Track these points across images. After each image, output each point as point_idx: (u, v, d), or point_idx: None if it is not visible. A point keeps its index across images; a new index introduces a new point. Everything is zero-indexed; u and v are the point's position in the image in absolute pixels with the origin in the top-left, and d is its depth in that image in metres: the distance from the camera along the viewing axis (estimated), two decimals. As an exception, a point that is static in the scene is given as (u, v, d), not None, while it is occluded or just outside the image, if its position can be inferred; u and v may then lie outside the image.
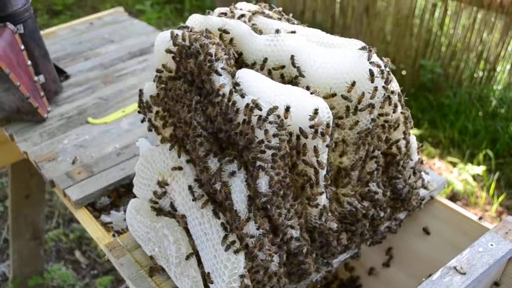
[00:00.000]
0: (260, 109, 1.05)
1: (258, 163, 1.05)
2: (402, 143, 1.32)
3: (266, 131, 1.03)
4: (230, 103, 1.08)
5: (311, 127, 1.05)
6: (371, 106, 1.16)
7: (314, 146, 1.08)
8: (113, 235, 1.55)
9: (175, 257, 1.25)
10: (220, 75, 1.12)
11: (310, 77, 1.16)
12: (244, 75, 1.12)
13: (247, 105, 1.06)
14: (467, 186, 3.59)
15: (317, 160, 1.10)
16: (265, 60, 1.18)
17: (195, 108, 1.16)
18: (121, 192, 1.71)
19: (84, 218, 1.61)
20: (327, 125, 1.07)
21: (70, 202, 1.63)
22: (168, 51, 1.24)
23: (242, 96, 1.08)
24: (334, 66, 1.14)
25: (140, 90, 1.37)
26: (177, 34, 1.22)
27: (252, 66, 1.20)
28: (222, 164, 1.11)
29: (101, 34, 2.60)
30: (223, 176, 1.11)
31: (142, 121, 1.40)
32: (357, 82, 1.14)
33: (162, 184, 1.28)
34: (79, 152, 1.80)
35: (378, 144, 1.26)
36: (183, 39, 1.21)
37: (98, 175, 1.70)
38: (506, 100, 4.05)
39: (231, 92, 1.09)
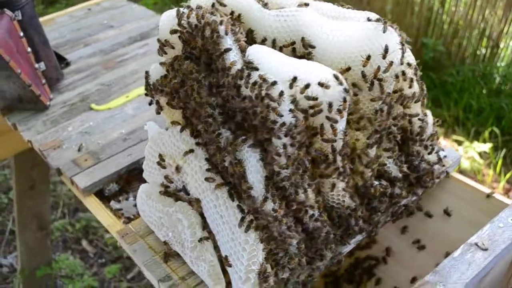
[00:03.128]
0: (273, 84, 1.01)
1: (274, 141, 1.02)
2: (418, 118, 1.29)
3: (279, 108, 0.99)
4: (242, 81, 1.04)
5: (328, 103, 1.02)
6: (385, 80, 1.12)
7: (331, 124, 1.05)
8: (124, 222, 1.52)
9: (190, 242, 1.23)
10: (230, 51, 1.08)
11: (323, 51, 1.12)
12: (256, 51, 1.08)
13: (257, 81, 1.02)
14: (474, 164, 3.56)
15: (335, 137, 1.06)
16: (275, 39, 1.14)
17: (207, 90, 1.12)
18: (130, 178, 1.68)
19: (94, 206, 1.58)
20: (344, 100, 1.03)
21: (78, 189, 1.60)
22: (174, 31, 1.20)
23: (255, 70, 1.04)
24: (347, 39, 1.10)
25: (146, 72, 1.33)
26: (183, 12, 1.18)
27: (262, 42, 1.16)
28: (236, 144, 1.08)
29: (99, 20, 2.54)
30: (237, 156, 1.08)
31: (150, 103, 1.36)
32: (372, 56, 1.10)
33: (174, 167, 1.25)
34: (85, 139, 1.77)
35: (394, 120, 1.22)
36: (189, 17, 1.16)
37: (105, 161, 1.67)
38: (510, 76, 4.01)
39: (242, 69, 1.05)
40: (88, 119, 1.87)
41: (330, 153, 1.09)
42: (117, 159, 1.67)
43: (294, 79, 1.00)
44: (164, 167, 1.30)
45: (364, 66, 1.09)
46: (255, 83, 1.03)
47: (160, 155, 1.30)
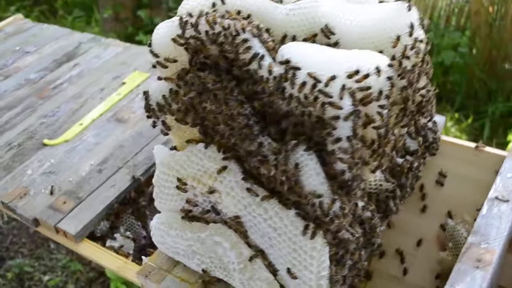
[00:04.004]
0: (332, 79, 0.96)
1: (335, 138, 0.97)
2: (427, 89, 1.31)
3: (340, 103, 0.94)
4: (287, 83, 0.97)
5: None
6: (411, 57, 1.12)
7: (380, 110, 1.02)
8: (134, 260, 1.38)
9: (237, 263, 1.14)
10: (262, 57, 1.00)
11: (349, 38, 1.08)
12: (292, 49, 1.01)
13: (306, 81, 0.96)
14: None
15: (384, 123, 1.04)
16: (295, 35, 1.08)
17: (236, 99, 1.04)
18: (118, 211, 1.52)
19: (92, 251, 1.41)
20: (392, 85, 1.01)
21: (68, 237, 1.41)
22: (180, 43, 1.09)
23: (297, 70, 0.98)
24: (373, 23, 1.08)
25: (146, 93, 1.20)
26: (186, 21, 1.08)
27: (283, 40, 1.10)
28: (288, 150, 1.01)
29: (10, 47, 2.27)
30: (290, 163, 1.01)
31: (154, 125, 1.23)
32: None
33: (208, 189, 1.14)
34: (52, 179, 1.57)
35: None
36: (197, 24, 1.06)
37: (88, 199, 1.49)
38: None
39: (287, 71, 0.98)
40: (46, 157, 1.65)
41: (377, 140, 1.07)
42: (101, 194, 1.51)
43: (357, 72, 0.95)
44: (185, 191, 1.19)
45: (394, 47, 1.08)
46: (304, 83, 0.96)
47: (179, 179, 1.19)
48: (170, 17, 1.16)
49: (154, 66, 1.19)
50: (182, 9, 1.19)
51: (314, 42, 1.10)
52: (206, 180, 1.16)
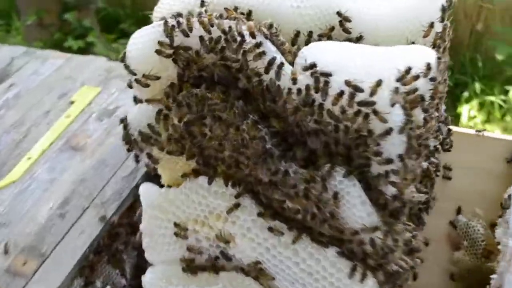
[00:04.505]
0: (362, 91, 0.76)
1: (379, 168, 0.78)
2: (444, 79, 1.14)
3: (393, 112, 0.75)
4: (318, 95, 0.76)
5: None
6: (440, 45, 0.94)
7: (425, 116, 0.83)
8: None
9: (264, 319, 0.93)
10: (281, 64, 0.79)
11: (374, 30, 0.88)
12: (314, 51, 0.80)
13: (344, 91, 0.76)
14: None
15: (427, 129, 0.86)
16: (311, 31, 0.87)
17: (251, 120, 0.82)
18: (93, 262, 1.26)
19: (69, 318, 1.14)
20: (437, 85, 0.83)
21: (36, 305, 1.14)
22: (166, 54, 0.85)
23: (328, 76, 0.77)
24: (398, 11, 0.89)
25: (123, 120, 0.95)
26: (173, 25, 0.84)
27: (295, 38, 0.88)
28: (322, 178, 0.80)
29: None
30: (327, 193, 0.81)
31: (137, 160, 0.98)
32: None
33: (221, 238, 0.91)
34: (4, 234, 1.27)
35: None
36: (189, 29, 0.83)
37: (53, 255, 1.22)
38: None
39: (318, 80, 0.76)
40: (-10, 205, 1.35)
41: (422, 149, 0.88)
42: (68, 245, 1.23)
43: (407, 71, 0.75)
44: (186, 237, 0.96)
45: (425, 36, 0.89)
46: (341, 94, 0.75)
47: (177, 224, 0.95)
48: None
49: (130, 86, 0.95)
50: (160, 10, 0.95)
51: (330, 38, 0.90)
52: (213, 222, 0.94)
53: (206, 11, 0.87)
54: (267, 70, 0.79)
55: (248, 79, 0.82)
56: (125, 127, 0.95)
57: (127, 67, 0.91)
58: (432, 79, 0.77)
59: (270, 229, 0.88)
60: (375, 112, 0.74)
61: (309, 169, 0.82)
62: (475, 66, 3.42)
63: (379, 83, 0.74)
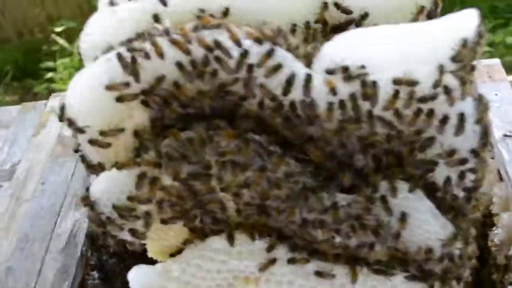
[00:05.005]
0: (417, 83, 0.60)
1: (447, 171, 0.64)
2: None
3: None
4: (367, 103, 0.59)
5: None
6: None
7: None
8: None
9: None
10: (309, 76, 0.60)
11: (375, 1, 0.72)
12: (338, 48, 0.62)
13: (398, 90, 0.59)
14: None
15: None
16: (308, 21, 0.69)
17: (277, 156, 0.62)
18: None
19: None
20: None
21: None
22: (133, 96, 0.62)
23: (366, 76, 0.60)
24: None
25: (86, 198, 0.69)
26: (133, 57, 0.60)
27: (292, 35, 0.69)
28: (383, 199, 0.64)
29: None
30: (392, 214, 0.65)
31: (117, 243, 0.73)
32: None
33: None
34: None
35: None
36: (159, 55, 0.60)
37: None
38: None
39: (366, 83, 0.59)
40: None
41: None
42: None
43: (464, 44, 0.59)
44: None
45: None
46: (396, 94, 0.59)
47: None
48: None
49: (76, 151, 0.69)
50: (91, 39, 0.69)
51: (325, 24, 0.72)
52: (241, 287, 0.73)
53: (167, 27, 0.63)
54: (287, 89, 0.59)
55: (260, 105, 0.61)
56: (92, 207, 0.69)
57: (70, 124, 0.65)
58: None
59: (318, 273, 0.71)
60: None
61: (361, 193, 0.65)
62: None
63: (441, 69, 0.58)
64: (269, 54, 0.58)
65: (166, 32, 0.61)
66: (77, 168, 1.28)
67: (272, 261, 0.70)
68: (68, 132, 1.37)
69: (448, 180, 0.64)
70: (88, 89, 0.63)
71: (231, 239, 0.70)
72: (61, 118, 0.67)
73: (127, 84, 0.61)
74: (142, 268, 0.77)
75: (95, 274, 1.15)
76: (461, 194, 0.66)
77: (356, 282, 0.71)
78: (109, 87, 0.60)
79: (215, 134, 0.62)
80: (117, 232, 0.72)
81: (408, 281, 0.71)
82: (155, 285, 0.75)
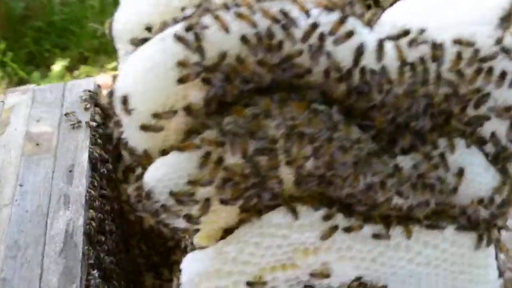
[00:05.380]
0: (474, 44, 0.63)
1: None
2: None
3: None
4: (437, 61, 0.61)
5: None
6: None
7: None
8: None
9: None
10: (381, 42, 0.61)
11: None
12: (398, 13, 0.63)
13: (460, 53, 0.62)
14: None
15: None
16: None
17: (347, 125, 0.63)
18: None
19: None
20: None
21: None
22: (196, 74, 0.59)
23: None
24: None
25: (138, 188, 0.65)
26: (196, 33, 0.58)
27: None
28: (442, 156, 0.67)
29: None
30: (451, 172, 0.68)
31: (174, 233, 0.70)
32: None
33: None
34: None
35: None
36: (225, 30, 0.58)
37: None
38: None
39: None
40: None
41: None
42: None
43: None
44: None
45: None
46: (459, 55, 0.61)
47: (251, 283, 0.73)
48: None
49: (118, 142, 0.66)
50: (126, 19, 0.65)
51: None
52: (300, 259, 0.73)
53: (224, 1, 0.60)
54: (358, 56, 0.59)
55: (325, 74, 0.61)
56: (149, 197, 0.65)
57: (125, 108, 0.61)
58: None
59: (376, 236, 0.73)
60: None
61: (420, 152, 0.67)
62: None
63: (504, 24, 0.61)
64: (342, 21, 0.58)
65: (226, 6, 0.58)
66: (57, 165, 1.20)
67: (334, 229, 0.71)
68: (36, 128, 1.30)
69: (498, 133, 0.68)
70: (143, 71, 0.59)
71: (294, 213, 0.69)
72: (124, 105, 0.62)
73: (196, 63, 0.57)
74: (195, 255, 0.74)
75: (96, 273, 1.10)
76: (509, 145, 0.70)
77: (410, 238, 0.74)
78: (180, 64, 0.56)
79: (283, 107, 0.61)
80: (172, 220, 0.69)
81: (459, 232, 0.75)
82: (210, 269, 0.73)
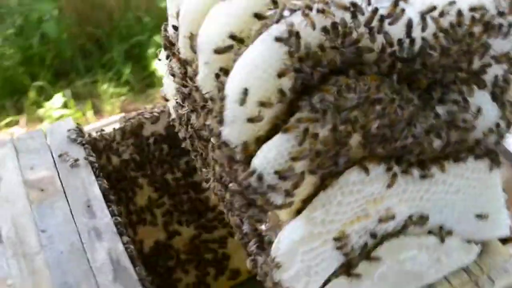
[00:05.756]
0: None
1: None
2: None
3: None
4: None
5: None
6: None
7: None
8: None
9: (431, 261, 0.97)
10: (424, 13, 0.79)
11: None
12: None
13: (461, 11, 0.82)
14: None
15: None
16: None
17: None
18: None
19: None
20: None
21: None
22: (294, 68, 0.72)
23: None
24: None
25: (253, 173, 0.75)
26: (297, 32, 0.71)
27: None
28: (465, 100, 0.87)
29: None
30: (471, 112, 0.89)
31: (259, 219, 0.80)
32: None
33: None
34: None
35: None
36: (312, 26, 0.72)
37: None
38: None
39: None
40: None
41: None
42: None
43: None
44: (346, 244, 0.89)
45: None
46: (474, 19, 0.81)
47: (337, 238, 0.87)
48: None
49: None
50: (208, 32, 0.76)
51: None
52: (372, 209, 0.89)
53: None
54: (409, 30, 0.76)
55: (382, 50, 0.77)
56: (260, 179, 0.76)
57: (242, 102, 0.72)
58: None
59: (423, 176, 0.90)
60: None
61: (450, 100, 0.86)
62: None
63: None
64: (396, 3, 0.75)
65: (307, 6, 0.72)
66: (72, 204, 1.21)
67: (395, 177, 0.87)
68: (33, 175, 1.30)
69: (497, 76, 0.90)
70: (251, 69, 0.71)
71: (366, 170, 0.84)
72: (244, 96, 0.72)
73: (300, 59, 0.70)
74: (289, 228, 0.86)
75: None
76: (504, 84, 0.92)
77: (445, 172, 0.92)
78: (291, 55, 0.69)
79: (359, 80, 0.76)
80: (275, 197, 0.80)
81: (476, 160, 0.95)
82: (304, 235, 0.85)
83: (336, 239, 0.86)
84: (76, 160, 1.29)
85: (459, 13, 0.79)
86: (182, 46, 0.84)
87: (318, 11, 0.72)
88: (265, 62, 0.71)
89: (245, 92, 0.71)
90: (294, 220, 0.85)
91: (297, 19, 0.71)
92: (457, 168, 0.94)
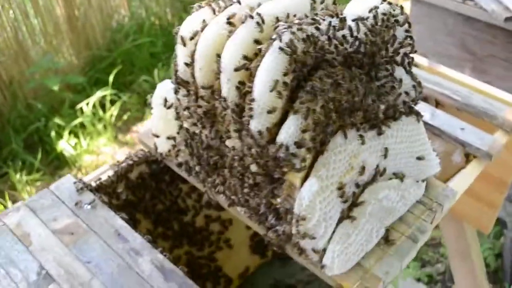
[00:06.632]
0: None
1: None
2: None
3: None
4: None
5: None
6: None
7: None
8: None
9: (399, 196, 1.35)
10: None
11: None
12: (351, 7, 1.22)
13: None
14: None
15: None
16: None
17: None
18: None
19: None
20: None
21: None
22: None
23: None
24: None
25: (282, 146, 1.07)
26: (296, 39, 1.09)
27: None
28: (391, 74, 1.28)
29: None
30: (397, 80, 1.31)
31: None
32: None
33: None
34: None
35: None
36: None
37: None
38: None
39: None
40: None
41: None
42: None
43: None
44: (345, 192, 1.23)
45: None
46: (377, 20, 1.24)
47: (339, 188, 1.21)
48: None
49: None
50: (229, 55, 1.09)
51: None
52: (354, 163, 1.25)
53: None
54: (352, 33, 1.17)
55: (336, 48, 1.17)
56: (287, 149, 1.09)
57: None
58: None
59: (379, 134, 1.28)
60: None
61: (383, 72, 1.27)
62: None
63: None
64: (342, 20, 1.14)
65: (289, 26, 1.09)
66: (103, 237, 1.42)
67: (362, 136, 1.24)
68: (58, 225, 1.49)
69: (404, 56, 1.33)
70: (267, 73, 1.05)
71: (345, 134, 1.20)
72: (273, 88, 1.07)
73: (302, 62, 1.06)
74: (306, 185, 1.17)
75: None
76: (407, 59, 1.35)
77: (390, 128, 1.31)
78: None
79: (335, 72, 1.14)
80: (296, 162, 1.12)
81: (407, 116, 1.36)
82: (318, 188, 1.17)
83: (338, 188, 1.20)
84: (93, 201, 1.50)
85: (375, 17, 1.21)
86: (202, 76, 1.16)
87: (298, 29, 1.09)
88: (274, 67, 1.06)
89: (276, 81, 1.05)
90: (308, 180, 1.18)
91: (287, 37, 1.07)
92: (397, 124, 1.34)
